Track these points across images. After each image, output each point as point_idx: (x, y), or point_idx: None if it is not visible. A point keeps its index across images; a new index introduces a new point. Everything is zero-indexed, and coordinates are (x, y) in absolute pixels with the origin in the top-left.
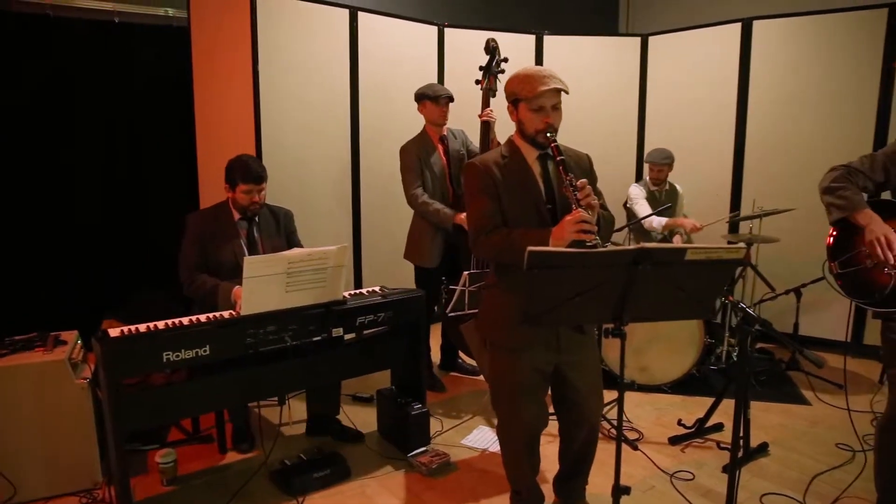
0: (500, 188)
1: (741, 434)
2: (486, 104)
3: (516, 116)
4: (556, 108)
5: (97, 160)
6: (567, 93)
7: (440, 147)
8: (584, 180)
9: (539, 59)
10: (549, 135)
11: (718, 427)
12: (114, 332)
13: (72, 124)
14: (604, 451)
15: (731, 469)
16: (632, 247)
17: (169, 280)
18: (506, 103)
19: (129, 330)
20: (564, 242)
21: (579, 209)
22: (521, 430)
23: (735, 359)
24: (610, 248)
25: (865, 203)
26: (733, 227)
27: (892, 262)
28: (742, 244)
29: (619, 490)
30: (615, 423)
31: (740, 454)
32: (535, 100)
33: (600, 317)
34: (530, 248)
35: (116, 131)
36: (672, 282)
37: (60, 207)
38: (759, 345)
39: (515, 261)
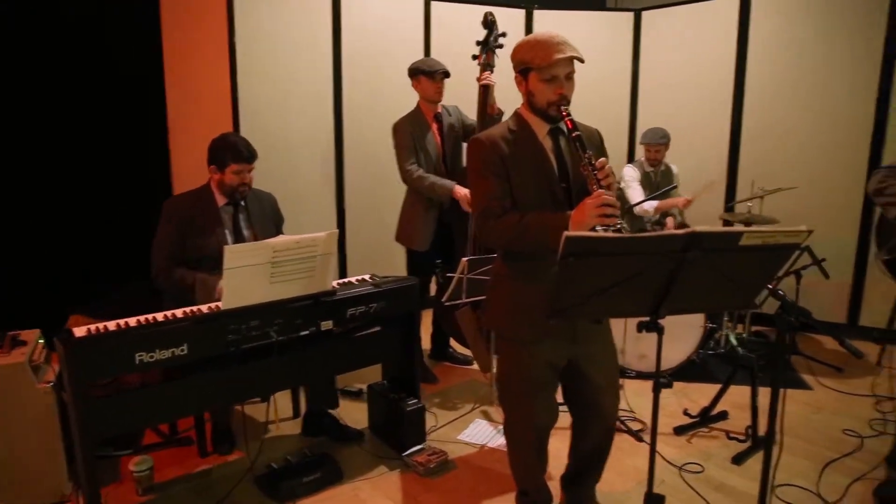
0: (509, 165)
1: (760, 425)
2: None
3: (525, 87)
4: (570, 77)
5: (57, 142)
6: (583, 61)
7: (434, 125)
8: (603, 159)
9: (528, 34)
10: (562, 107)
11: (723, 415)
12: (79, 332)
13: (26, 104)
14: None
15: (765, 470)
16: (681, 231)
17: (140, 272)
18: (503, 77)
19: (97, 328)
20: (585, 227)
21: (601, 191)
22: (533, 427)
23: (734, 343)
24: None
25: None
26: (731, 207)
27: None
28: (804, 226)
29: (652, 498)
30: (622, 416)
31: (749, 444)
32: (549, 69)
33: (636, 309)
34: (567, 233)
35: (78, 111)
36: (720, 270)
37: (16, 193)
38: (754, 328)
39: (529, 248)
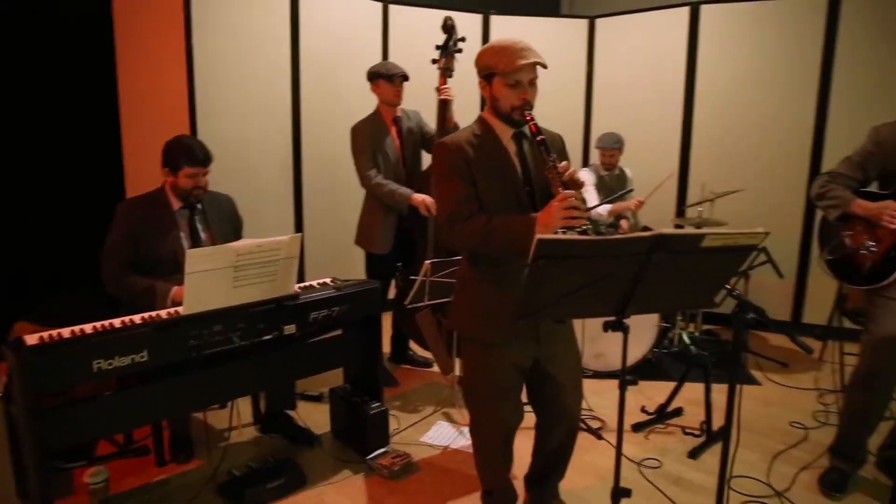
0: (475, 170)
1: (714, 421)
2: (442, 84)
3: (489, 92)
4: (533, 83)
5: (2, 142)
6: (546, 67)
7: (393, 129)
8: (566, 162)
9: (486, 40)
10: (526, 111)
11: (678, 412)
12: (31, 339)
13: None
14: None
15: (723, 463)
16: (648, 234)
17: (90, 278)
18: (461, 82)
19: (51, 336)
20: (551, 229)
21: (567, 191)
22: (499, 429)
23: (687, 342)
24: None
25: (854, 196)
26: (682, 211)
27: None
28: (761, 228)
29: (618, 492)
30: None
31: (704, 439)
32: (513, 74)
33: (604, 310)
34: (540, 236)
35: (24, 109)
36: (683, 270)
37: None
38: (704, 326)
39: (496, 251)
